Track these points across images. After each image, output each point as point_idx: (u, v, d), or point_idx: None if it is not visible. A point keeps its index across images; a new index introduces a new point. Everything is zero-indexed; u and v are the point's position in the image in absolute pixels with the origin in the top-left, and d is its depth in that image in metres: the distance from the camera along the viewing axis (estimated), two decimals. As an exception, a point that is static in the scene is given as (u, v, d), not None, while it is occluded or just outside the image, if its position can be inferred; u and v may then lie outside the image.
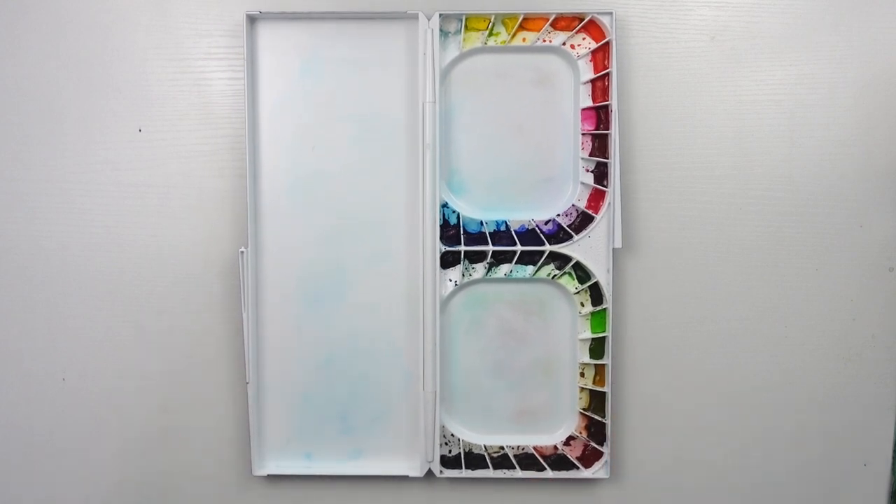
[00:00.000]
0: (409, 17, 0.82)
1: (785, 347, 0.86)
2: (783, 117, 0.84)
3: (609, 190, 0.82)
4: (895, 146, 0.84)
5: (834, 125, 0.84)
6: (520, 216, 0.84)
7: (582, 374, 0.84)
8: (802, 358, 0.86)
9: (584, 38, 0.82)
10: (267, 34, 0.83)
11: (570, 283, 0.84)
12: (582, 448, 0.85)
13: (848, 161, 0.84)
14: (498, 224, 0.84)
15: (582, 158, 0.83)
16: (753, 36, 0.84)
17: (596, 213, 0.83)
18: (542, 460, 0.85)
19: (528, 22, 0.82)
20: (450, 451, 0.85)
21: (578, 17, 0.82)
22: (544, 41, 0.82)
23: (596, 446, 0.85)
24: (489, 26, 0.82)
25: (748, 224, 0.85)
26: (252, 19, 0.82)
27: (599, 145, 0.83)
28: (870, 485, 0.87)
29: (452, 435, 0.85)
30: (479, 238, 0.84)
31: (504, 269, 0.84)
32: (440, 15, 0.81)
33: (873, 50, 0.83)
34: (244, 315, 0.83)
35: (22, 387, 0.87)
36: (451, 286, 0.84)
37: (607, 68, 0.81)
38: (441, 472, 0.85)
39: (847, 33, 0.83)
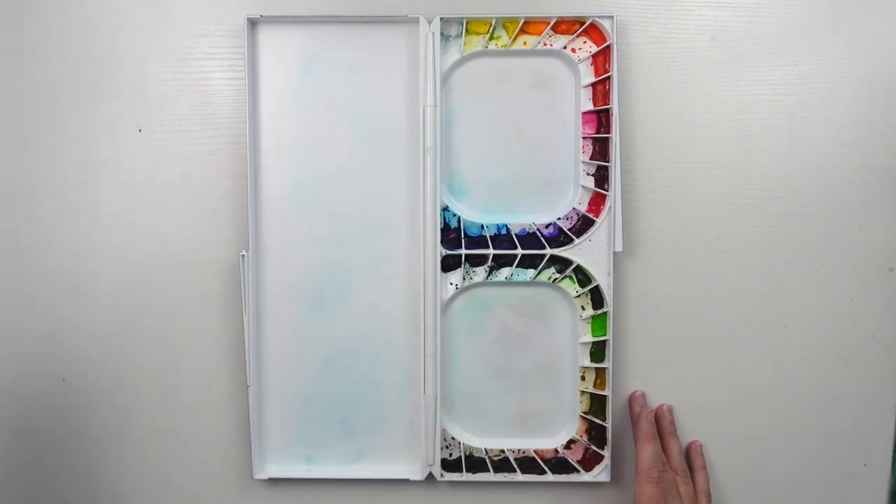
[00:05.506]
0: (410, 21, 0.81)
1: (785, 347, 0.86)
2: (783, 117, 0.84)
3: (610, 193, 0.82)
4: (895, 146, 0.84)
5: (834, 125, 0.84)
6: (521, 219, 0.84)
7: (583, 378, 0.85)
8: (802, 358, 0.86)
9: (584, 42, 0.82)
10: (268, 37, 0.83)
11: (571, 287, 0.84)
12: (583, 451, 0.85)
13: (848, 161, 0.84)
14: (499, 227, 0.84)
15: (583, 162, 0.83)
16: (753, 36, 0.84)
17: (597, 216, 0.83)
18: (542, 464, 0.85)
19: (528, 26, 0.82)
20: (450, 455, 0.85)
21: (579, 21, 0.81)
22: (545, 45, 0.82)
23: (597, 450, 0.85)
24: (490, 30, 0.81)
25: (748, 224, 0.85)
26: (253, 23, 0.82)
27: (600, 149, 0.82)
28: (870, 485, 0.87)
29: (453, 438, 0.85)
30: (479, 241, 0.83)
31: (505, 272, 0.84)
32: (441, 19, 0.81)
33: (873, 50, 0.83)
34: (245, 318, 0.83)
35: (22, 387, 0.87)
36: (451, 289, 0.84)
37: (608, 72, 0.81)
38: (442, 475, 0.85)
39: (847, 33, 0.83)
